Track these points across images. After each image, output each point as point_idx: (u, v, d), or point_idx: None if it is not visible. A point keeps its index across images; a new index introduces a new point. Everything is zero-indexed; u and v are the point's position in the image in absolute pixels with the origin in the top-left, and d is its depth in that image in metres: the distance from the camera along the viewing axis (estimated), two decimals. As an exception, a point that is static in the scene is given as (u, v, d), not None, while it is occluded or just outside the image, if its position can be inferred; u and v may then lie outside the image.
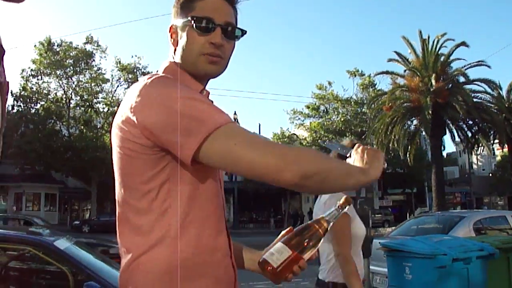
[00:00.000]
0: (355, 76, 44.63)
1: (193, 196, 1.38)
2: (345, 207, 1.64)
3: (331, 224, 1.60)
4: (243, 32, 1.57)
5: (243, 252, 1.74)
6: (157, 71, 1.58)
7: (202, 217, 1.40)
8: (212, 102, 1.54)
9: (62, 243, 4.89)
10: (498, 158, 56.46)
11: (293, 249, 1.52)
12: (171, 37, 1.57)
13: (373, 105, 34.46)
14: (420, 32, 31.31)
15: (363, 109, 42.51)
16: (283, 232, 1.65)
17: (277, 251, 1.52)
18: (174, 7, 1.57)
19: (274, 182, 1.28)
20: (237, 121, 32.18)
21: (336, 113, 44.81)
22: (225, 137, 1.26)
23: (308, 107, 45.22)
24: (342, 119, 43.72)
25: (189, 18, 1.49)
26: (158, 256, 1.35)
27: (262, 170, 1.27)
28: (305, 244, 1.54)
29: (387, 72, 32.85)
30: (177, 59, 1.53)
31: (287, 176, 1.26)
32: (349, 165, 1.53)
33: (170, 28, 1.57)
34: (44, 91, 37.71)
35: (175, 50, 1.55)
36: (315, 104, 45.11)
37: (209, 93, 1.59)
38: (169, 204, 1.36)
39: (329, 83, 44.82)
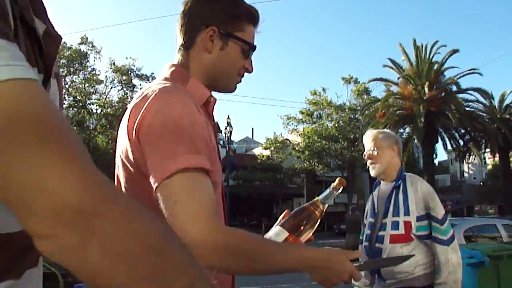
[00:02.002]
0: (350, 83, 44.70)
1: None
2: (340, 189, 1.68)
3: (327, 205, 1.64)
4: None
5: None
6: (162, 74, 1.55)
7: None
8: (215, 100, 1.58)
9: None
10: (489, 167, 56.74)
11: (290, 231, 1.55)
12: (208, 39, 1.51)
13: (366, 112, 34.59)
14: (414, 40, 31.51)
15: (357, 116, 42.60)
16: (281, 217, 1.67)
17: (274, 234, 1.56)
18: (208, 7, 1.53)
19: None
20: (230, 125, 32.13)
21: (329, 119, 44.84)
22: (174, 188, 1.21)
23: (302, 112, 45.23)
24: (335, 125, 43.75)
25: (249, 41, 1.54)
26: None
27: (182, 237, 1.12)
28: (302, 226, 1.58)
29: (381, 79, 33.04)
30: (209, 65, 1.52)
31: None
32: (274, 255, 1.34)
33: (211, 28, 1.50)
34: (37, 92, 37.57)
35: (207, 51, 1.52)
36: (309, 110, 45.13)
37: (215, 100, 1.58)
38: None
39: (323, 89, 44.87)
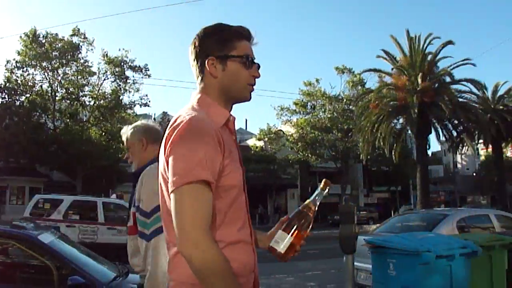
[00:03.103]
0: (343, 73, 44.71)
1: (223, 207, 1.73)
2: (326, 188, 1.96)
3: (318, 203, 1.94)
4: (259, 66, 1.93)
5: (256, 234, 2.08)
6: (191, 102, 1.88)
7: (231, 218, 1.76)
8: (235, 118, 1.94)
9: (47, 237, 4.86)
10: (482, 158, 57.04)
11: (292, 234, 1.90)
12: (211, 66, 1.85)
13: (359, 103, 34.61)
14: (408, 31, 31.49)
15: (350, 107, 42.63)
16: (282, 219, 2.00)
17: (280, 239, 1.91)
18: (205, 42, 1.87)
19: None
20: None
21: (323, 110, 44.88)
22: (181, 195, 1.62)
23: (296, 103, 45.27)
24: (329, 116, 43.80)
25: (241, 55, 1.86)
26: None
27: (178, 237, 1.60)
28: (300, 227, 1.91)
29: (374, 70, 33.04)
30: (220, 86, 1.87)
31: (182, 253, 1.61)
32: None
33: (210, 58, 1.85)
34: (29, 83, 37.22)
35: (213, 77, 1.86)
36: (302, 101, 45.16)
37: (235, 118, 1.93)
38: None
39: (317, 80, 44.92)
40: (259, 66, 1.92)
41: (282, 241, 1.89)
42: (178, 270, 1.73)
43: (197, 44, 1.89)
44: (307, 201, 1.94)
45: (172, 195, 1.64)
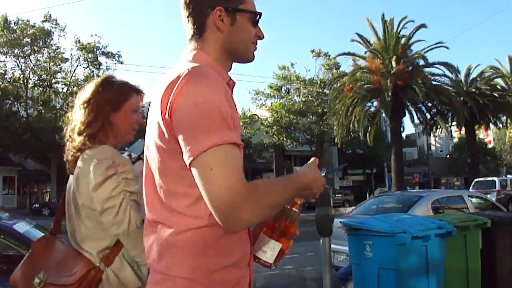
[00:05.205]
0: (319, 56, 44.76)
1: None
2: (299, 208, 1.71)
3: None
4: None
5: None
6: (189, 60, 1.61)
7: None
8: (234, 83, 1.71)
9: (22, 227, 4.80)
10: (456, 140, 57.84)
11: (281, 239, 1.67)
12: (218, 19, 1.61)
13: (334, 86, 34.72)
14: (383, 15, 31.60)
15: (325, 90, 42.74)
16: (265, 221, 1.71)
17: (269, 248, 1.67)
18: None
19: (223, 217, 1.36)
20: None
21: (297, 93, 44.94)
22: (210, 159, 1.36)
23: (270, 86, 45.26)
24: (303, 100, 43.88)
25: (252, 11, 1.66)
26: (197, 235, 1.47)
27: (219, 197, 1.34)
28: (287, 228, 1.67)
29: (349, 54, 33.07)
30: (224, 42, 1.64)
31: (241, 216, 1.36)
32: (282, 185, 1.53)
33: (218, 9, 1.60)
34: (1, 71, 36.70)
35: (219, 31, 1.63)
36: (277, 85, 45.18)
37: (234, 82, 1.70)
38: None
39: (292, 64, 44.94)
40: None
41: (271, 250, 1.65)
42: (172, 260, 1.49)
43: None
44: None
45: (201, 158, 1.36)
